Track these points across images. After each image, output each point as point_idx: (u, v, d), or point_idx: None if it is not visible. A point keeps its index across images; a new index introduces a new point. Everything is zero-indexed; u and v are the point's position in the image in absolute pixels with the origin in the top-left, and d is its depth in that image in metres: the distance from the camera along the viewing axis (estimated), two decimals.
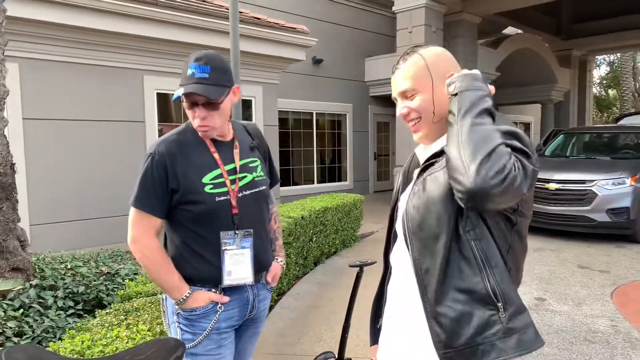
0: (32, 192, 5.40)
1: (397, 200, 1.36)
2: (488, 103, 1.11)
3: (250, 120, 7.65)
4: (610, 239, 6.79)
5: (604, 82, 27.40)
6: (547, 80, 14.45)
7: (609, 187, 6.51)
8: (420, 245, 1.17)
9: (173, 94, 7.06)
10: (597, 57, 21.29)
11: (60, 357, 1.38)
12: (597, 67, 25.99)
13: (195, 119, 1.60)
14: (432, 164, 1.21)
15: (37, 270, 2.95)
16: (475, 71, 1.18)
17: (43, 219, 5.48)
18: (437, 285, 1.13)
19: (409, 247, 1.19)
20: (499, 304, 1.08)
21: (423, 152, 1.30)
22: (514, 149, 1.07)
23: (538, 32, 14.30)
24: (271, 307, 4.18)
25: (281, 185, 9.62)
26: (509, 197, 1.03)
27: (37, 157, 5.45)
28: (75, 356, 1.68)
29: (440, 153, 1.20)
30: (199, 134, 1.64)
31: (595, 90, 24.67)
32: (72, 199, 5.72)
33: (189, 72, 1.56)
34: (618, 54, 23.56)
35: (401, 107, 1.26)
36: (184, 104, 1.59)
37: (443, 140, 1.21)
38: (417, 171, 1.28)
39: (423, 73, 1.22)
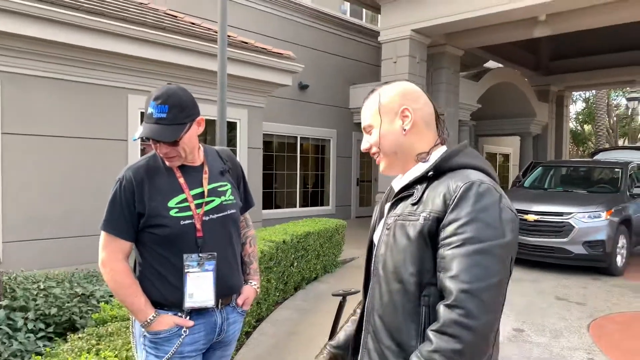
0: (6, 208, 5.25)
1: (373, 230, 1.36)
2: None
3: (235, 142, 7.65)
4: (586, 271, 6.89)
5: (580, 117, 28.27)
6: (527, 113, 14.86)
7: (585, 220, 6.65)
8: (380, 284, 1.19)
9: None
10: (573, 92, 22.02)
11: None
12: (574, 103, 26.86)
13: (159, 153, 1.68)
14: (403, 198, 1.22)
15: (8, 290, 2.84)
16: None
17: (16, 236, 5.32)
18: (380, 325, 1.17)
19: (373, 281, 1.23)
20: None
21: (396, 184, 1.31)
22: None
23: (518, 67, 14.75)
24: (249, 334, 4.09)
25: (263, 208, 9.55)
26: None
27: (13, 173, 5.33)
28: None
29: (410, 186, 1.22)
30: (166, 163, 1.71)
31: (571, 124, 25.42)
32: (49, 216, 5.59)
33: (149, 111, 1.62)
34: (593, 91, 24.40)
35: (364, 141, 1.33)
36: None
37: (412, 172, 1.25)
38: (388, 205, 1.30)
39: (375, 110, 1.28)
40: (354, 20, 12.71)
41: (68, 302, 2.81)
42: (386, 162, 1.30)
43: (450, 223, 1.09)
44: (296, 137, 11.37)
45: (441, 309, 1.04)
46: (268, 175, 10.61)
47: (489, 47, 12.41)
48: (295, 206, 11.44)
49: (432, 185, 1.17)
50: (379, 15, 10.88)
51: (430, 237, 1.11)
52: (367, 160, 13.24)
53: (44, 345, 2.40)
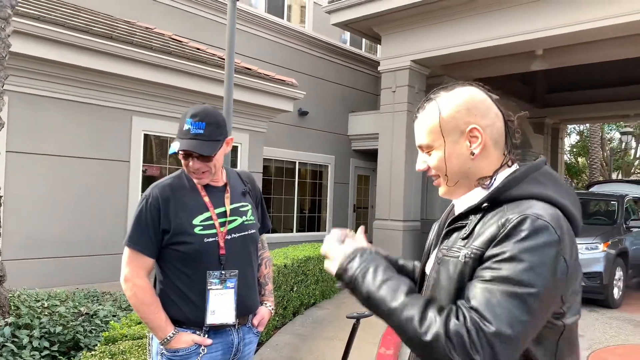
0: (7, 225, 5.23)
1: (427, 257, 1.18)
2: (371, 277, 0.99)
3: (235, 166, 7.71)
4: (583, 302, 6.85)
5: (574, 150, 28.64)
6: (522, 145, 15.05)
7: (582, 252, 6.65)
8: None
9: (162, 136, 7.02)
10: (568, 125, 22.36)
11: None
12: (568, 136, 27.24)
13: (189, 169, 1.72)
14: (457, 229, 1.04)
15: (12, 307, 2.83)
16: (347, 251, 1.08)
17: (15, 254, 5.29)
18: None
19: None
20: None
21: (458, 206, 1.11)
22: None
23: (514, 99, 15.03)
24: None
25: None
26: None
27: (15, 191, 5.34)
28: None
29: (465, 215, 1.03)
30: (194, 180, 1.74)
31: (566, 157, 25.72)
32: (49, 235, 5.57)
33: (185, 127, 1.67)
34: (587, 124, 24.79)
35: (420, 161, 1.13)
36: (180, 155, 1.70)
37: (469, 199, 1.05)
38: (437, 231, 1.15)
39: (434, 125, 1.06)
40: (354, 50, 12.99)
41: (73, 321, 2.80)
42: (446, 187, 1.10)
43: (488, 258, 0.90)
44: (294, 162, 11.46)
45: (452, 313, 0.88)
46: (266, 200, 10.60)
47: (486, 79, 12.69)
48: (292, 231, 11.43)
49: (485, 218, 0.97)
50: (379, 45, 11.13)
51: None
52: (364, 187, 13.31)
53: None
